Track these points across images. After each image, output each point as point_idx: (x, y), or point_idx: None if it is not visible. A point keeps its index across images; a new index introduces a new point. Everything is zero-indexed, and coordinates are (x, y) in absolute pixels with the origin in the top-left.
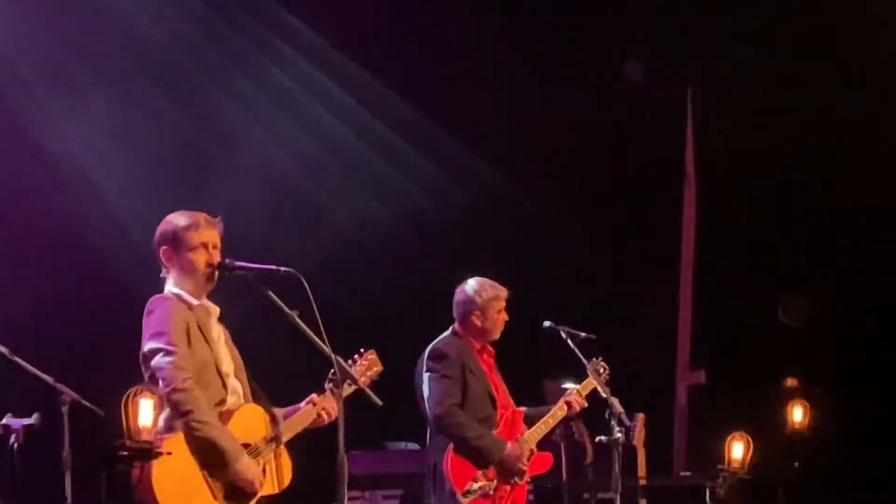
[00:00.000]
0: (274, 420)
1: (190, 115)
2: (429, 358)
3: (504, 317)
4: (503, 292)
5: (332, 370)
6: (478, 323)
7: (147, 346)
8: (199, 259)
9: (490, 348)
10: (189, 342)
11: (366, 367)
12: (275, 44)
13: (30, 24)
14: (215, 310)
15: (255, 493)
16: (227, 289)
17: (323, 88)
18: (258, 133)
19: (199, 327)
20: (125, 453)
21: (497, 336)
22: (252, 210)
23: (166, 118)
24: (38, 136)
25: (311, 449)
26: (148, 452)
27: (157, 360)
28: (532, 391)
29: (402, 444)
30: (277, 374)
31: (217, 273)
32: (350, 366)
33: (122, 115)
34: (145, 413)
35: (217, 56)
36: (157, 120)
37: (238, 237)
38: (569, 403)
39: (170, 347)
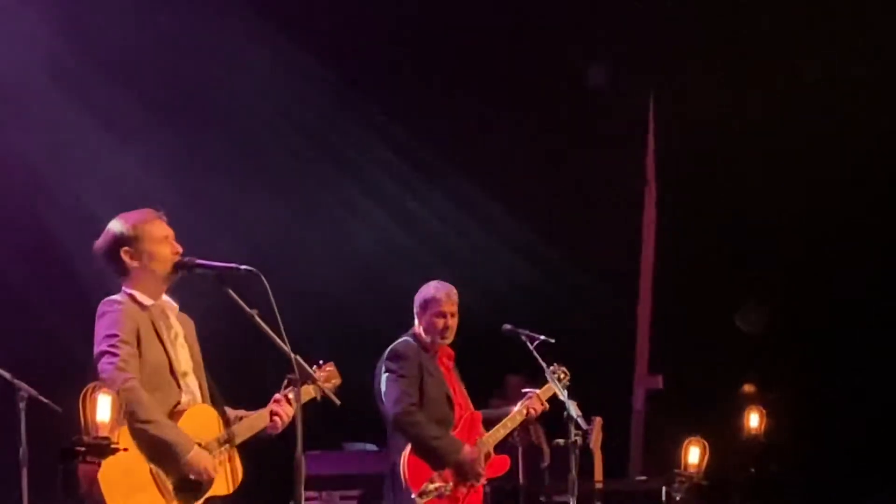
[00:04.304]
0: (227, 421)
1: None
2: (387, 358)
3: (442, 322)
4: (441, 295)
5: (289, 374)
6: (418, 326)
7: (96, 349)
8: (164, 250)
9: (449, 350)
10: (140, 344)
11: (323, 377)
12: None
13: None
14: (173, 307)
15: (207, 486)
16: (188, 287)
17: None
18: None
19: (154, 328)
20: (82, 449)
21: (439, 341)
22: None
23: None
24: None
25: (268, 449)
26: (105, 448)
27: (102, 364)
28: (493, 392)
29: (359, 445)
30: (239, 376)
31: (181, 262)
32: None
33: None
34: (103, 409)
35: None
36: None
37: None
38: (528, 408)
39: (114, 350)
